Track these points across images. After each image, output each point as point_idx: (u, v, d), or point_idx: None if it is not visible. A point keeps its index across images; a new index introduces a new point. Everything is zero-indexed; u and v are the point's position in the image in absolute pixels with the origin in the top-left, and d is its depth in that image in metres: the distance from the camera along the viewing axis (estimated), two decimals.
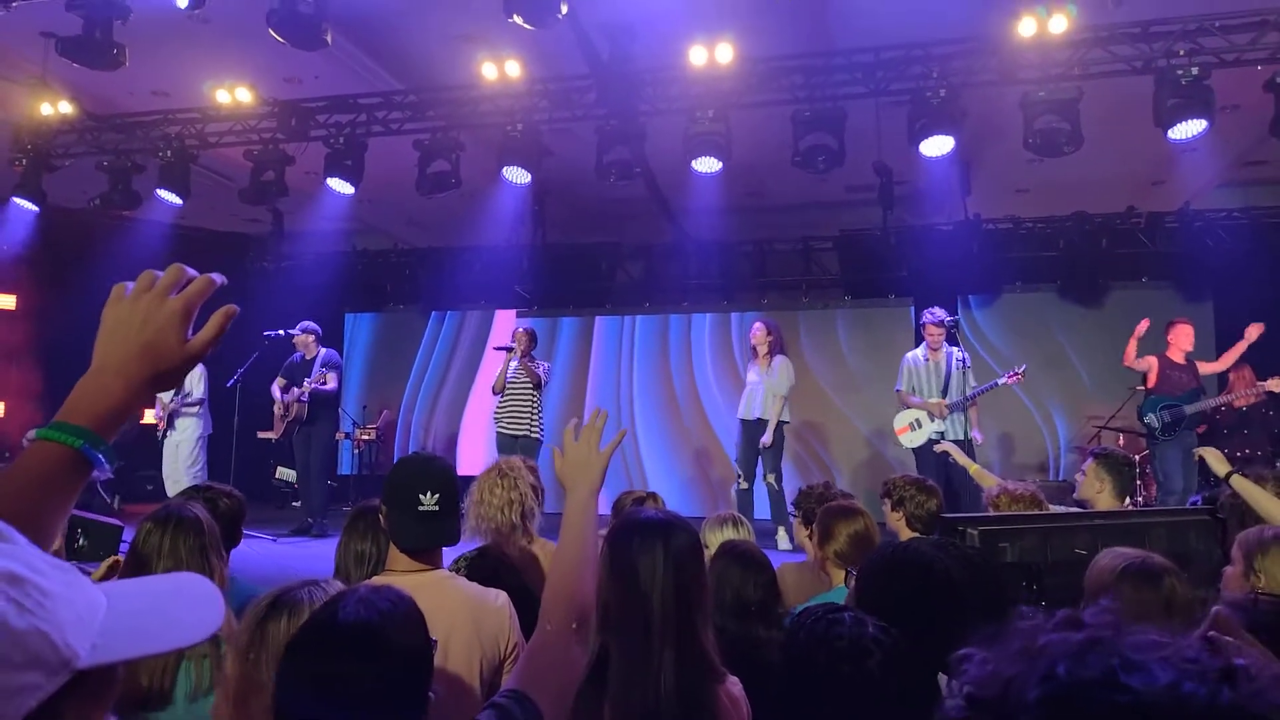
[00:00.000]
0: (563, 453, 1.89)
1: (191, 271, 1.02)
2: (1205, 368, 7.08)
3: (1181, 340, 7.05)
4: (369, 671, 1.34)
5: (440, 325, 11.85)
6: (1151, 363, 7.03)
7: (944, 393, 6.95)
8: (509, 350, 7.85)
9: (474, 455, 10.90)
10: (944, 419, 6.91)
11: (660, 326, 11.11)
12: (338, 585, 1.77)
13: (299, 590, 1.71)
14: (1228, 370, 7.38)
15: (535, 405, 7.78)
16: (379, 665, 1.35)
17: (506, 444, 7.60)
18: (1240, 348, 6.97)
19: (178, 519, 2.32)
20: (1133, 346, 7.07)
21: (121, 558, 2.46)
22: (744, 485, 7.56)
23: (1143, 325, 7.03)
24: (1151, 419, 6.82)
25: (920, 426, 7.06)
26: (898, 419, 7.30)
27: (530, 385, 7.78)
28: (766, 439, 7.47)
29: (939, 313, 7.19)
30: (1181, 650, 0.57)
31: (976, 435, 7.03)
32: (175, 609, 0.82)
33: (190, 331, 1.03)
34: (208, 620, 0.82)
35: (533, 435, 7.67)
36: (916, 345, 7.71)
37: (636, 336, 11.18)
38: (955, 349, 7.17)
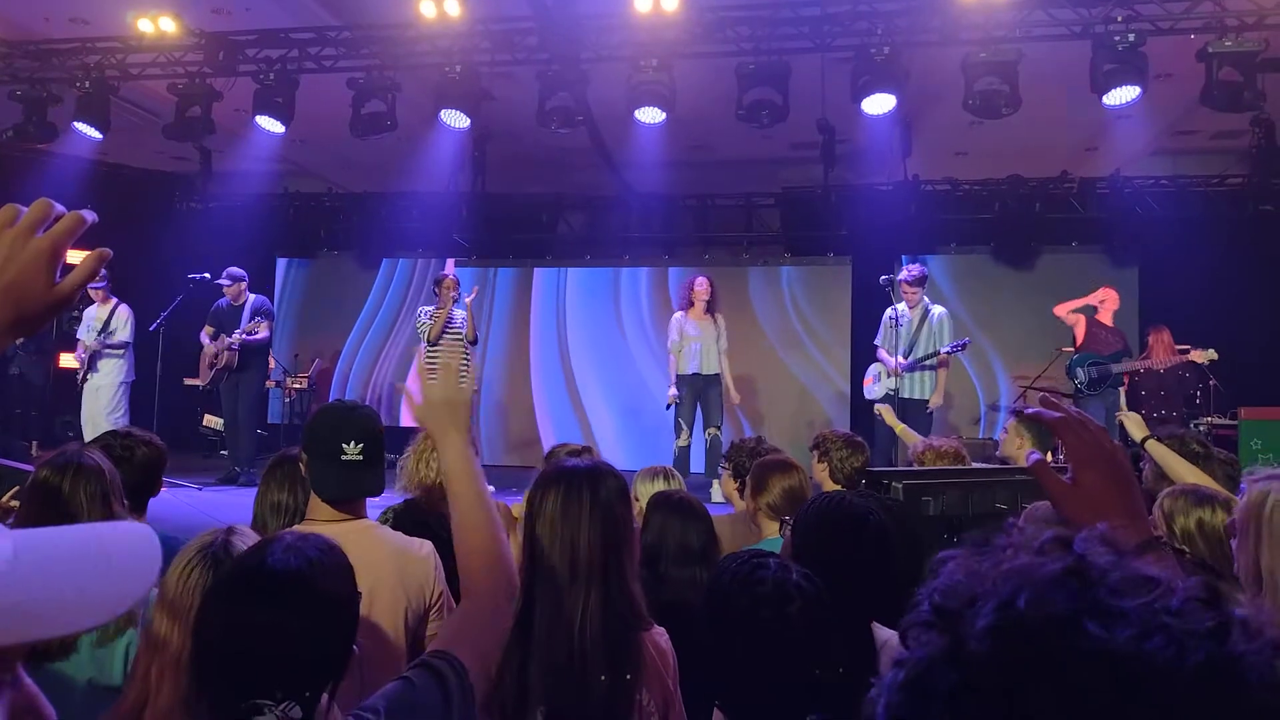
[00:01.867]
0: (418, 396, 1.64)
1: (59, 207, 0.94)
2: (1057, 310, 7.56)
3: (1111, 304, 7.39)
4: (296, 620, 1.30)
5: (392, 274, 11.55)
6: (1080, 319, 7.35)
7: (908, 351, 7.03)
8: (457, 299, 7.66)
9: None
10: (896, 377, 6.98)
11: (600, 279, 11.04)
12: (249, 532, 1.73)
13: (231, 541, 1.67)
14: (1147, 334, 7.69)
15: (469, 357, 7.68)
16: (306, 614, 1.32)
17: None
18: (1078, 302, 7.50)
19: (77, 465, 2.23)
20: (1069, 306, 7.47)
21: (14, 501, 2.35)
22: (685, 441, 7.54)
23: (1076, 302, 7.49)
24: (1080, 374, 7.08)
25: (880, 381, 7.19)
26: (869, 370, 7.45)
27: (466, 338, 7.69)
28: (735, 396, 7.63)
29: (914, 270, 7.22)
30: (1169, 596, 0.50)
31: (934, 400, 7.04)
32: (88, 580, 0.76)
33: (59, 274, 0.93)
34: (123, 592, 0.76)
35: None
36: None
37: (576, 289, 11.09)
38: (936, 307, 7.19)
